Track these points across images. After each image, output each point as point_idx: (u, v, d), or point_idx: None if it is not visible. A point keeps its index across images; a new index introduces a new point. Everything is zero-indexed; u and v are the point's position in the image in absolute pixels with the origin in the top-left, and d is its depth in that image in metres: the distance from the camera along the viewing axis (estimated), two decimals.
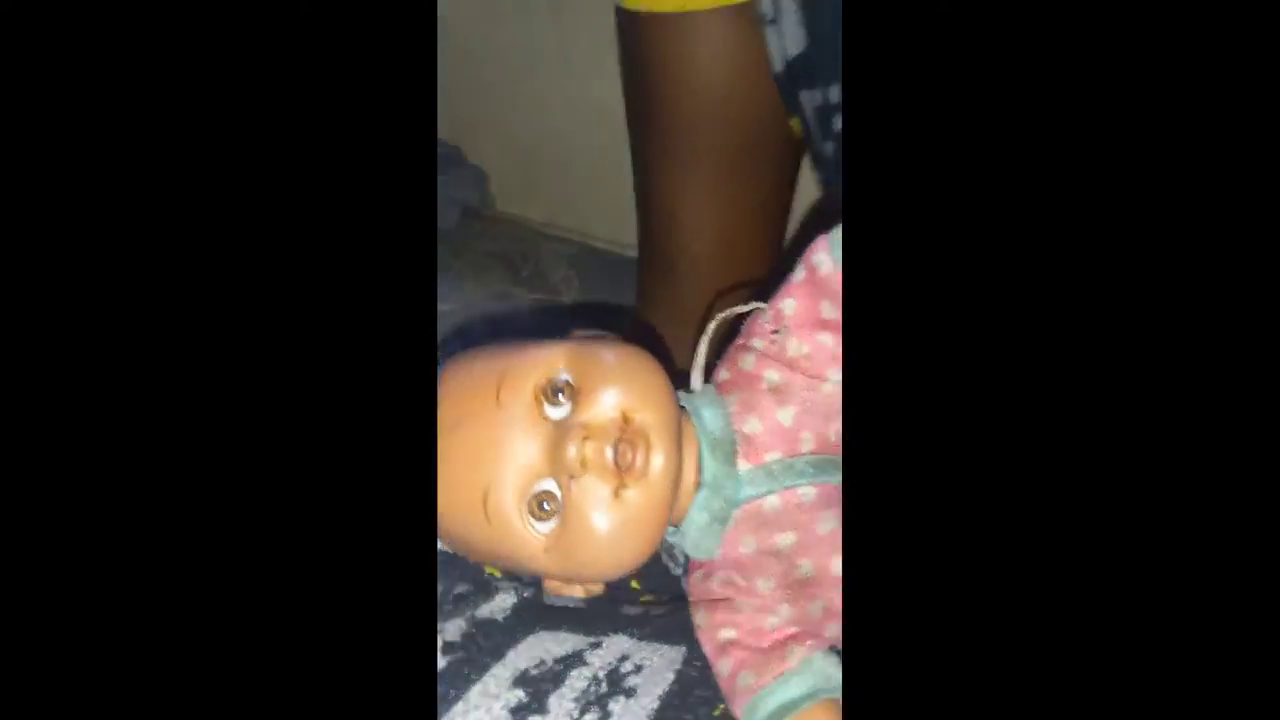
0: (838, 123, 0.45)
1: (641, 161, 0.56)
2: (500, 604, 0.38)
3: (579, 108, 0.87)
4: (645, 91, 0.53)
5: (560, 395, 0.31)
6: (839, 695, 0.31)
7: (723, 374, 0.34)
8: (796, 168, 0.56)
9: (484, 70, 0.90)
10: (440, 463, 0.30)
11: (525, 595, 0.39)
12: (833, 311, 0.32)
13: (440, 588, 0.39)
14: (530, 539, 0.31)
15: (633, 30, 0.51)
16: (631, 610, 0.38)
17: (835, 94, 0.44)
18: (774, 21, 0.45)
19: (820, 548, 0.31)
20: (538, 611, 0.38)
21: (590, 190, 0.90)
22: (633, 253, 0.62)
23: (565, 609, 0.39)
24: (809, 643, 0.32)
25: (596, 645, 0.36)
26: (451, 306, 0.83)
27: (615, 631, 0.37)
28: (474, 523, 0.31)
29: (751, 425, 0.32)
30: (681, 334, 0.62)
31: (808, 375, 0.32)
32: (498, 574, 0.40)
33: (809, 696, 0.31)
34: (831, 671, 0.31)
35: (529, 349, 0.32)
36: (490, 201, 0.97)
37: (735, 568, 0.32)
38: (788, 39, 0.45)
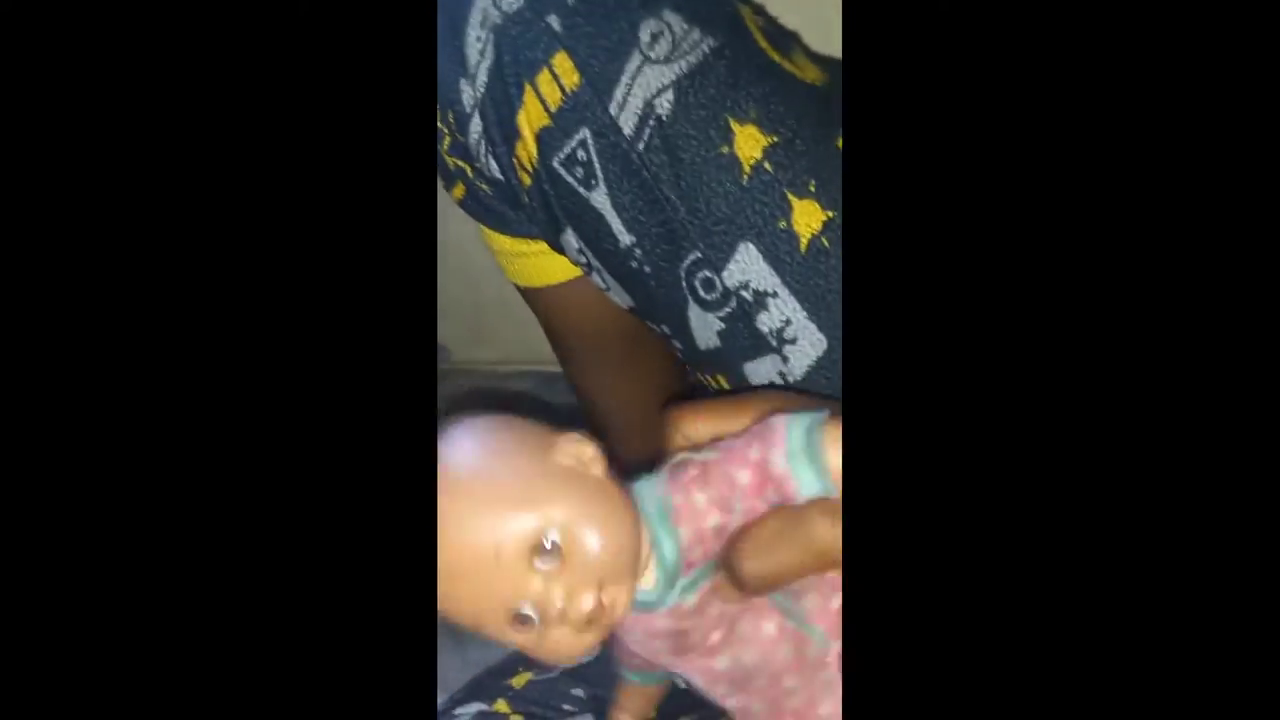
0: (676, 344, 0.54)
1: (563, 365, 0.68)
2: None
3: None
4: (547, 329, 0.65)
5: (548, 553, 0.35)
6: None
7: (678, 499, 0.37)
8: None
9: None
10: (445, 588, 0.35)
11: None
12: (774, 496, 0.36)
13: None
14: (509, 639, 0.36)
15: (523, 293, 0.63)
16: None
17: (665, 329, 0.53)
18: (608, 289, 0.55)
19: (707, 625, 0.38)
20: None
21: (535, 330, 1.00)
22: None
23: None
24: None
25: None
26: None
27: None
28: (466, 624, 0.36)
29: (695, 554, 0.37)
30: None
31: (741, 524, 0.37)
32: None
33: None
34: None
35: (524, 500, 0.35)
36: (446, 358, 1.06)
37: (646, 625, 0.38)
38: (619, 300, 0.55)
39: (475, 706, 0.52)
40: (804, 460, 0.35)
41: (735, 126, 0.45)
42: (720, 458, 0.37)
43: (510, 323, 1.00)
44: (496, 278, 0.97)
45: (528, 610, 0.35)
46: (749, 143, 0.46)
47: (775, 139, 0.46)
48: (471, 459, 0.37)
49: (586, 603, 0.35)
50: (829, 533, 0.35)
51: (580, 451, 0.39)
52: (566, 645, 0.36)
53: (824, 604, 0.38)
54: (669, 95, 0.45)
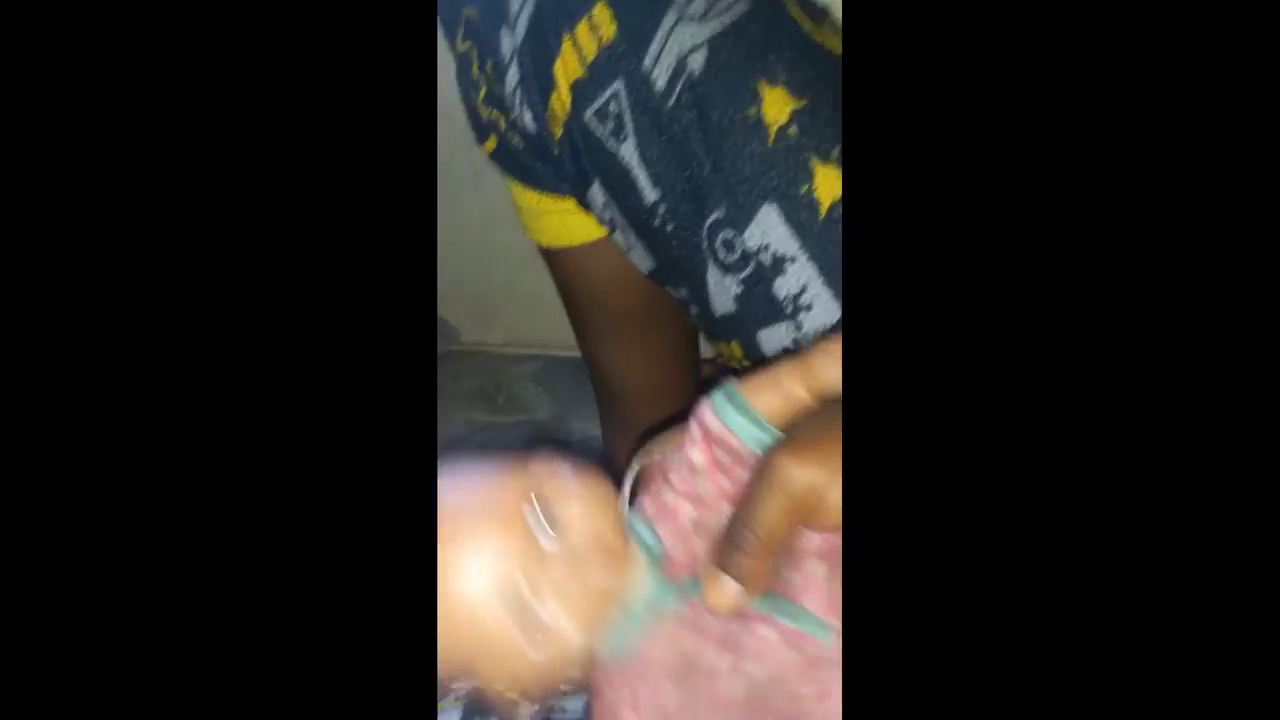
0: (694, 309, 0.55)
1: (576, 331, 0.69)
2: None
3: (527, 251, 0.98)
4: (564, 292, 0.67)
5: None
6: None
7: (649, 507, 0.39)
8: None
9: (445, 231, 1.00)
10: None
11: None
12: (725, 457, 0.37)
13: None
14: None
15: (544, 256, 0.65)
16: None
17: (685, 292, 0.54)
18: (630, 250, 0.55)
19: (712, 647, 0.38)
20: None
21: (542, 311, 1.01)
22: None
23: None
24: None
25: None
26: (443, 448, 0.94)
27: None
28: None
29: (676, 551, 0.38)
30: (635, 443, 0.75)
31: (714, 510, 0.38)
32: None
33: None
34: None
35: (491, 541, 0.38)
36: (458, 338, 1.07)
37: (644, 665, 0.39)
38: (639, 262, 0.56)
39: (473, 682, 0.53)
40: (731, 409, 0.36)
41: (764, 89, 0.47)
42: (674, 454, 0.38)
43: (519, 306, 1.01)
44: (506, 261, 0.99)
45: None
46: (776, 106, 0.47)
47: (802, 104, 0.47)
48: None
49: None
50: (791, 469, 0.35)
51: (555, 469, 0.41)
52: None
53: (807, 579, 0.38)
54: (702, 53, 0.46)
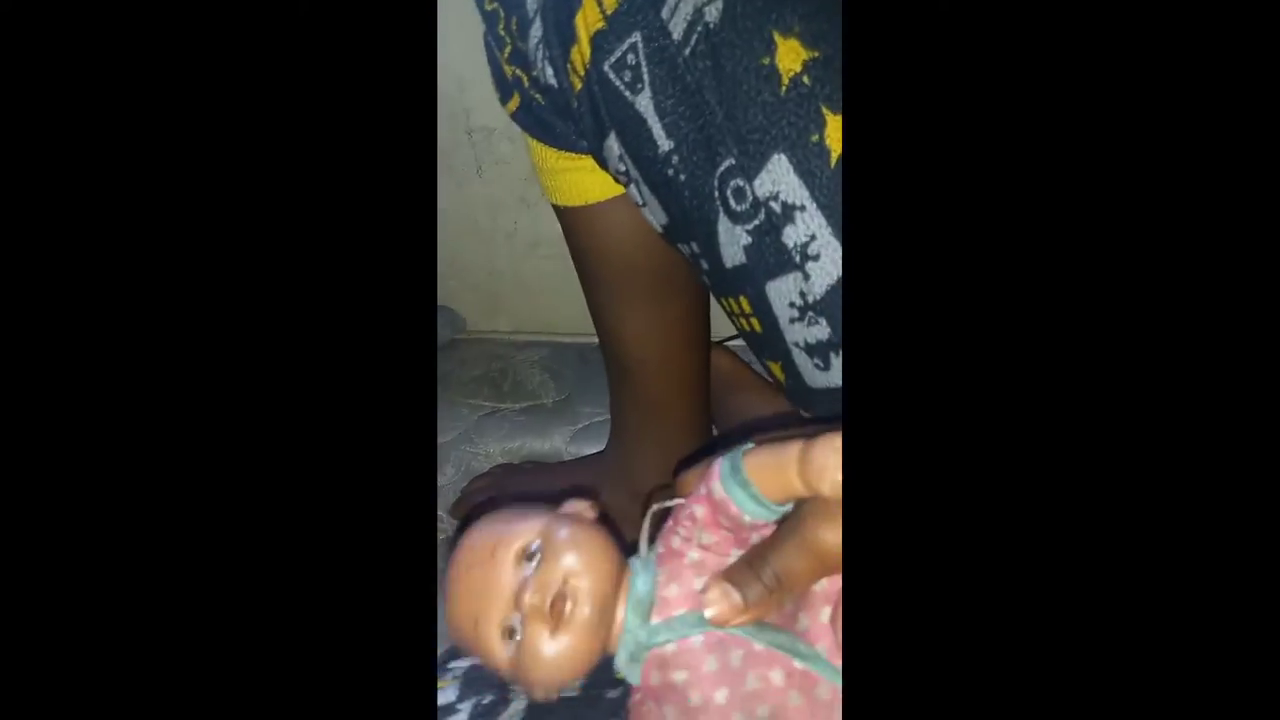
0: (704, 263, 0.56)
1: (588, 296, 0.70)
2: (515, 708, 0.50)
3: (531, 237, 1.00)
4: (577, 255, 0.68)
5: (532, 559, 0.41)
6: None
7: (659, 547, 0.42)
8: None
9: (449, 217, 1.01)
10: (451, 591, 0.41)
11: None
12: (726, 521, 0.40)
13: (469, 700, 0.51)
14: (500, 655, 0.41)
15: (560, 216, 0.66)
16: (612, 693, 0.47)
17: (696, 246, 0.56)
18: (643, 205, 0.57)
19: (704, 683, 0.39)
20: (541, 712, 0.49)
21: (548, 298, 1.03)
22: (595, 339, 0.75)
23: (562, 707, 0.50)
24: None
25: None
26: (450, 436, 0.95)
27: None
28: (468, 638, 0.41)
29: (671, 590, 0.40)
30: (644, 419, 0.75)
31: (718, 555, 0.40)
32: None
33: None
34: None
35: (521, 520, 0.41)
36: (463, 325, 1.08)
37: (650, 694, 0.40)
38: (653, 217, 0.57)
39: (468, 661, 0.54)
40: (734, 484, 0.39)
41: (778, 39, 0.48)
42: (684, 501, 0.41)
43: (524, 293, 1.03)
44: (511, 249, 1.01)
45: (514, 622, 0.40)
46: (790, 56, 0.48)
47: (815, 54, 0.48)
48: (487, 523, 0.43)
49: (552, 589, 0.39)
50: (824, 534, 0.37)
51: (579, 506, 0.44)
52: (545, 650, 0.39)
53: (816, 620, 0.40)
54: (718, 3, 0.48)
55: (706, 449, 0.46)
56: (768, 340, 0.56)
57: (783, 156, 0.49)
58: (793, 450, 0.37)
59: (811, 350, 0.53)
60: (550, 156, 0.60)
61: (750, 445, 0.39)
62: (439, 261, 1.01)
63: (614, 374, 0.75)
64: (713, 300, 0.63)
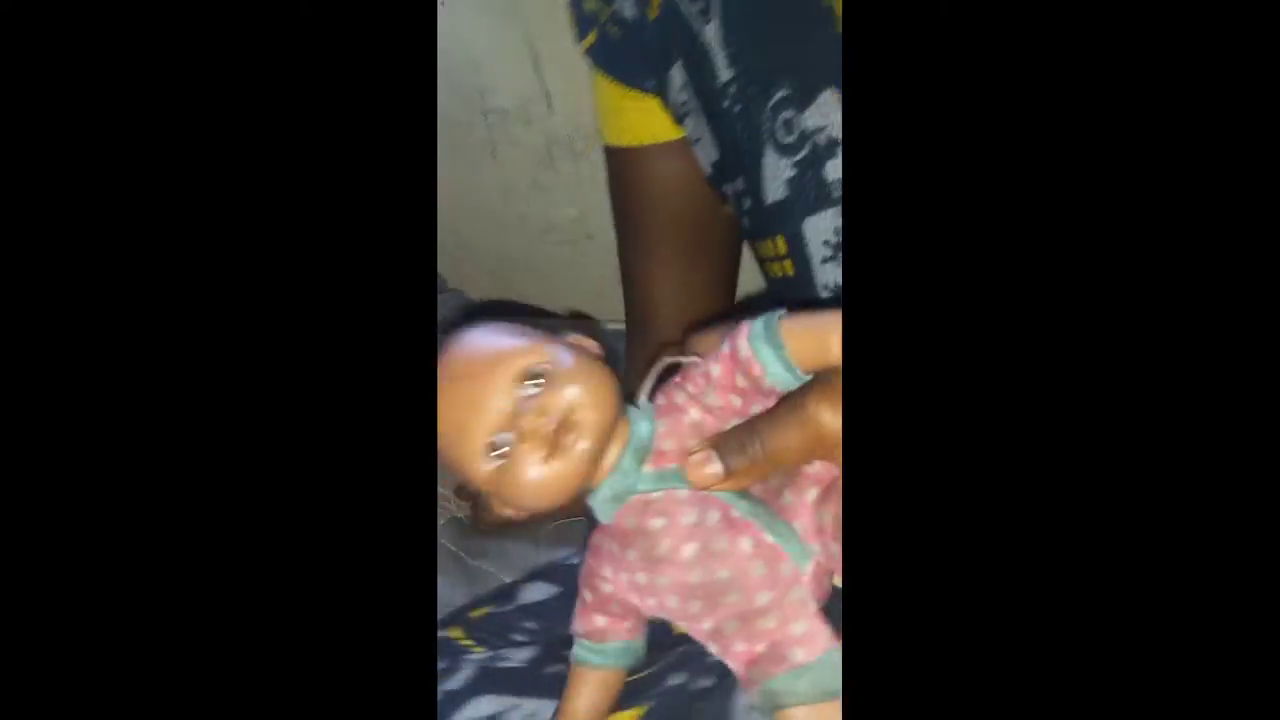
0: (746, 202, 0.60)
1: (623, 252, 0.72)
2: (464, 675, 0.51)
3: (544, 223, 1.03)
4: (621, 200, 0.70)
5: (534, 381, 0.40)
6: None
7: (660, 400, 0.42)
8: (738, 246, 0.72)
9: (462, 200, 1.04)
10: (440, 399, 0.40)
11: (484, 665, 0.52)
12: (744, 382, 0.40)
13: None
14: (479, 469, 0.40)
15: (611, 159, 0.69)
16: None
17: (741, 183, 0.60)
18: (698, 141, 0.61)
19: (677, 534, 0.40)
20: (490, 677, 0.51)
21: (558, 281, 1.06)
22: (604, 324, 0.76)
23: (509, 673, 0.52)
24: (627, 624, 0.43)
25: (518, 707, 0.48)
26: None
27: (542, 695, 0.48)
28: (451, 445, 0.40)
29: (667, 444, 0.41)
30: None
31: (719, 420, 0.41)
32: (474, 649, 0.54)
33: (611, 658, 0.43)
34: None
35: (522, 339, 0.41)
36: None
37: (617, 535, 0.41)
38: (704, 155, 0.62)
39: (439, 634, 0.57)
40: (764, 342, 0.39)
41: None
42: (699, 360, 0.42)
43: (533, 273, 1.06)
44: (522, 232, 1.03)
45: (504, 438, 0.40)
46: None
47: None
48: (482, 333, 0.43)
49: (554, 415, 0.39)
50: (825, 414, 0.38)
51: (584, 340, 0.44)
52: (531, 473, 0.39)
53: (800, 499, 0.41)
54: None
55: (726, 315, 0.46)
56: (798, 284, 0.59)
57: (832, 92, 0.54)
58: (834, 318, 0.38)
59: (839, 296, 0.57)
60: (615, 95, 0.64)
61: (784, 311, 0.40)
62: (451, 246, 1.03)
63: (634, 326, 0.77)
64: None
